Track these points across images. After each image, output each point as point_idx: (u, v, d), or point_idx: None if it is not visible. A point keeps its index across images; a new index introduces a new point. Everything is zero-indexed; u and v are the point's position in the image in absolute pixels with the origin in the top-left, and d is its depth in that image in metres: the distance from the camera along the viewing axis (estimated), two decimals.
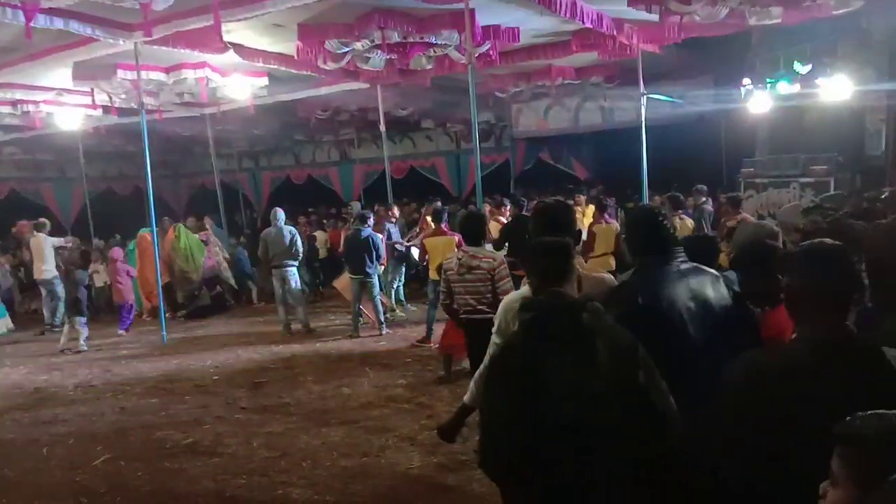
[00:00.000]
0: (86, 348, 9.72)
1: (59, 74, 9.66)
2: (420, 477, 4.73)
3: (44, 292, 11.50)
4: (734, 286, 2.74)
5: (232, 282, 12.69)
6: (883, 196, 6.30)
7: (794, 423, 1.76)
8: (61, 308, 11.12)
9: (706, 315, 2.50)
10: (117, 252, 11.15)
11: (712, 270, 2.70)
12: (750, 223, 4.92)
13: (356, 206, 12.73)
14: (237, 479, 4.88)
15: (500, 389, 2.29)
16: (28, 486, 5.01)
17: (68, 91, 10.86)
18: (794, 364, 1.80)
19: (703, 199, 10.02)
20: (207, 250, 12.21)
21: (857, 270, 1.87)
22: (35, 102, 11.24)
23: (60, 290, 11.02)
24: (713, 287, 2.60)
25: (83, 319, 9.89)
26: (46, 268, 11.18)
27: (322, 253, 13.11)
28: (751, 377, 1.89)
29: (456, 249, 5.94)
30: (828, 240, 1.94)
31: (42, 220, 12.00)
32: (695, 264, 2.66)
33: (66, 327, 9.98)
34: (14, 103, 11.13)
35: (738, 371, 1.93)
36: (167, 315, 10.67)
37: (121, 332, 10.72)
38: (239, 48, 8.79)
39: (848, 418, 1.29)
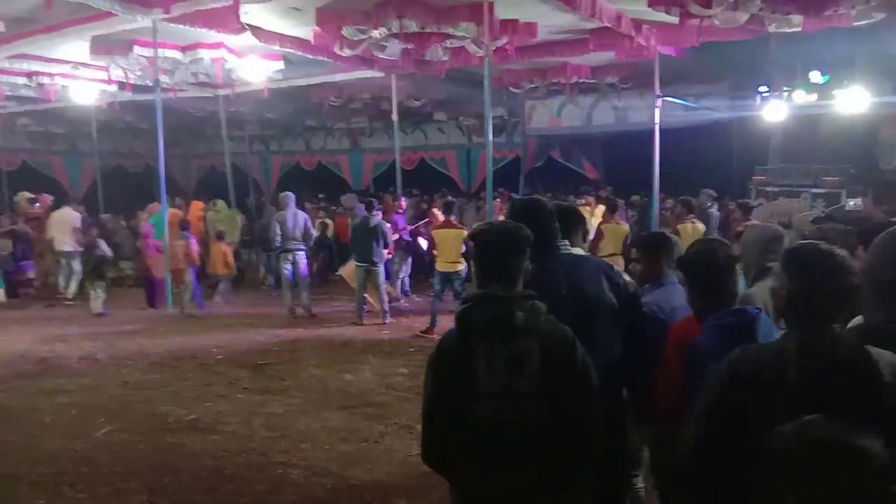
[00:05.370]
0: (103, 311, 10.29)
1: (75, 48, 9.71)
2: (417, 464, 4.73)
3: (63, 263, 11.70)
4: (623, 276, 2.80)
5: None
6: None
7: (770, 422, 1.74)
8: (73, 286, 11.52)
9: (600, 303, 2.59)
10: (148, 228, 11.16)
11: (602, 260, 2.78)
12: (757, 225, 4.92)
13: (349, 199, 12.82)
14: (236, 457, 4.91)
15: (430, 382, 2.27)
16: (30, 452, 5.05)
17: (84, 65, 10.90)
18: (780, 365, 1.78)
19: (710, 203, 9.98)
20: None
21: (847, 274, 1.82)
22: (50, 75, 11.30)
23: (77, 264, 11.35)
24: (603, 273, 2.65)
25: (104, 284, 10.38)
26: (67, 239, 11.42)
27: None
28: (733, 373, 1.87)
29: None
30: (822, 242, 1.91)
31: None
32: (583, 254, 2.71)
33: (92, 293, 10.43)
34: (29, 74, 11.18)
35: (723, 366, 1.91)
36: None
37: (157, 307, 10.70)
38: (256, 30, 8.80)
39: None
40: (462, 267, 8.53)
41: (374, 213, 9.41)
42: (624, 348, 2.64)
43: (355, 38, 8.39)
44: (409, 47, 8.84)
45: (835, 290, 1.80)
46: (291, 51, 9.61)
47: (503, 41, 8.52)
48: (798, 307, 1.84)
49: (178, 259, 10.43)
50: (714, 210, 9.84)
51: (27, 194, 12.85)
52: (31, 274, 12.37)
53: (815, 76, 9.51)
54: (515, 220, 2.53)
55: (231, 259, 11.17)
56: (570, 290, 2.58)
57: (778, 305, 1.93)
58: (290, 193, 10.17)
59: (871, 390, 1.67)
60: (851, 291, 1.81)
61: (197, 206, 12.67)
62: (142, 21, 8.16)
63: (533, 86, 12.24)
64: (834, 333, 1.81)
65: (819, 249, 1.86)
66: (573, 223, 2.98)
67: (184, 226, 11.02)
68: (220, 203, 13.20)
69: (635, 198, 13.35)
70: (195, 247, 10.68)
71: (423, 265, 12.14)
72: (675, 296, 3.06)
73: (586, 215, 5.23)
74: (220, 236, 11.46)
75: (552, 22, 8.67)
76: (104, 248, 10.63)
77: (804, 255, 1.88)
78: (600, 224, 8.66)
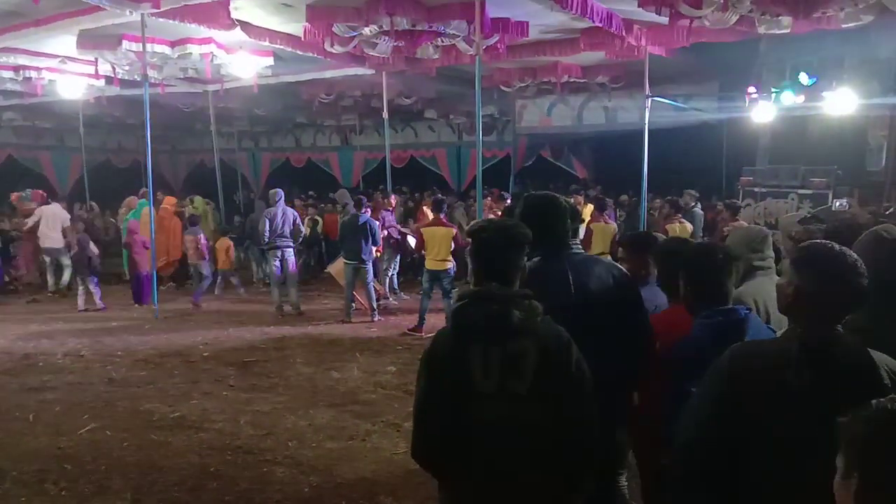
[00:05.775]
0: (102, 305, 10.40)
1: (63, 42, 9.60)
2: (404, 462, 4.75)
3: (48, 260, 11.65)
4: (630, 279, 2.87)
5: None
6: (888, 212, 6.30)
7: (769, 420, 1.77)
8: (65, 277, 11.48)
9: (606, 304, 2.61)
10: (134, 224, 11.07)
11: (608, 260, 2.84)
12: (742, 226, 4.95)
13: (342, 195, 12.80)
14: (222, 455, 4.89)
15: (423, 380, 2.24)
16: (13, 449, 5.01)
17: (72, 59, 10.80)
18: (781, 363, 1.79)
19: (693, 203, 10.03)
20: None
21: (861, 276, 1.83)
22: (37, 69, 11.18)
23: (66, 259, 11.28)
24: (611, 275, 2.69)
25: (95, 279, 10.47)
26: (56, 236, 11.34)
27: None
28: (733, 371, 1.86)
29: None
30: (833, 243, 1.89)
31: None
32: (590, 254, 2.74)
33: (80, 288, 10.48)
34: (16, 69, 11.06)
35: (721, 364, 1.90)
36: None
37: (144, 304, 10.60)
38: (246, 26, 8.75)
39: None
40: (451, 265, 8.53)
41: (364, 210, 9.39)
42: (626, 349, 2.62)
43: (346, 35, 8.36)
44: (400, 45, 8.82)
45: (843, 291, 1.80)
46: (281, 47, 9.55)
47: (494, 39, 8.51)
48: (804, 305, 1.84)
49: (189, 254, 10.79)
50: (698, 210, 9.89)
51: None
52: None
53: (804, 78, 9.55)
54: (527, 215, 2.55)
55: (232, 253, 11.16)
56: (577, 289, 2.59)
57: (783, 302, 1.93)
58: (279, 190, 10.15)
59: (872, 393, 1.67)
60: (860, 293, 1.81)
61: (170, 202, 12.57)
62: (130, 15, 8.08)
63: (523, 85, 12.25)
64: (838, 334, 1.81)
65: (830, 249, 1.85)
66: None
67: (193, 221, 11.03)
68: (198, 199, 13.21)
69: (624, 197, 13.40)
70: (205, 241, 10.69)
71: (413, 264, 12.14)
72: (660, 294, 3.07)
73: None
74: (223, 231, 11.52)
75: (543, 21, 8.67)
76: (92, 250, 10.53)
77: (815, 253, 1.88)
78: (589, 223, 8.69)
